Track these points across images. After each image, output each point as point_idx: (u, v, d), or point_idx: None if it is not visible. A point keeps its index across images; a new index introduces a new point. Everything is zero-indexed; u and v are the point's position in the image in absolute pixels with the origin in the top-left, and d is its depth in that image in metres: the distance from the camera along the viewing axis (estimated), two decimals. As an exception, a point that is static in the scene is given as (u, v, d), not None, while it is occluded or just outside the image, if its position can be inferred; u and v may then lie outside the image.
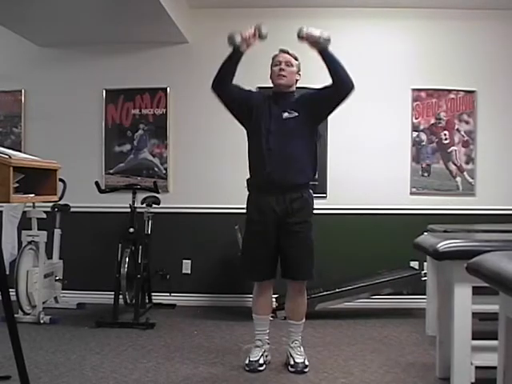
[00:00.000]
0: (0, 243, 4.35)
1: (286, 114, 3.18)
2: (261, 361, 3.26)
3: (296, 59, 3.31)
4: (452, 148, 5.10)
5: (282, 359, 3.38)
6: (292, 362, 3.24)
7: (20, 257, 4.31)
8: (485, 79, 5.06)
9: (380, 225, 4.98)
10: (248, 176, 3.34)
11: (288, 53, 3.30)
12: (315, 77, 5.30)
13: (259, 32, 3.15)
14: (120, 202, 4.74)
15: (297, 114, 3.18)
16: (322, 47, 3.11)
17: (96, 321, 4.23)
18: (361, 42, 5.10)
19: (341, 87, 3.12)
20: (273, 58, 3.33)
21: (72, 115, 5.21)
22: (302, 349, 3.31)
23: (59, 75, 5.24)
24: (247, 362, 3.26)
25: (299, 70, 3.33)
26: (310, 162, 3.24)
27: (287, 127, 3.17)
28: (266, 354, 3.32)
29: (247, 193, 3.33)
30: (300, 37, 3.11)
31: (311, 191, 3.29)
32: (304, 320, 3.34)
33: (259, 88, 4.94)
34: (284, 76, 3.23)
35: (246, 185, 3.34)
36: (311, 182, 3.31)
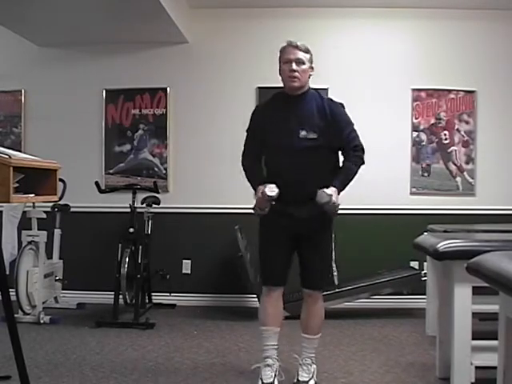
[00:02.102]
0: (0, 243, 4.35)
1: (303, 133, 2.84)
2: (276, 383, 2.89)
3: (307, 51, 2.94)
4: (452, 148, 5.10)
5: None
6: (295, 380, 2.95)
7: (20, 257, 4.31)
8: (485, 79, 5.06)
9: (380, 225, 4.98)
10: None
11: (297, 47, 2.90)
12: (319, 76, 5.29)
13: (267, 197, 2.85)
14: (120, 202, 4.74)
15: (315, 137, 2.85)
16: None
17: (96, 321, 4.23)
18: (361, 42, 5.10)
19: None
20: (280, 51, 2.95)
21: (72, 115, 5.21)
22: (313, 367, 2.98)
23: (59, 75, 5.24)
24: None
25: (312, 63, 2.96)
26: (330, 171, 2.95)
27: (304, 145, 2.85)
28: (278, 373, 2.94)
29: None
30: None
31: None
32: (320, 334, 3.04)
33: (259, 88, 4.96)
34: (296, 78, 2.86)
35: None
36: None
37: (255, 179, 2.96)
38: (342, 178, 2.94)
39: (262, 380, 2.89)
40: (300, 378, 2.96)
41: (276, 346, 2.97)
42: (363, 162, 2.97)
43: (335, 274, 4.55)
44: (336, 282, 4.55)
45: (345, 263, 4.89)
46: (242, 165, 3.04)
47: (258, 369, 2.95)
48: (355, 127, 2.97)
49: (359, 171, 2.98)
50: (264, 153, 3.02)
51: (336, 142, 2.93)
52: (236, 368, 3.31)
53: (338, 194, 2.88)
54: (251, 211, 2.99)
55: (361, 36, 5.11)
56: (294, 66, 2.87)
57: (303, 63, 2.90)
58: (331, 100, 3.04)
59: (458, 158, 5.10)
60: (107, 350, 3.63)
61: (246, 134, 3.07)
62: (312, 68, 2.98)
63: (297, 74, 2.87)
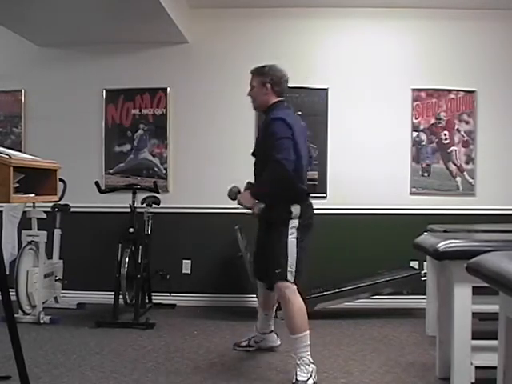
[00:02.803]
0: (0, 243, 4.35)
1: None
2: None
3: (257, 73, 3.30)
4: (452, 148, 5.10)
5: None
6: (294, 381, 3.00)
7: (20, 257, 4.31)
8: (485, 79, 5.06)
9: (380, 225, 4.98)
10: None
11: (251, 72, 3.35)
12: (319, 76, 5.31)
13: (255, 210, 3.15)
14: (120, 202, 4.74)
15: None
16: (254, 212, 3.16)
17: (96, 321, 4.23)
18: (361, 42, 5.10)
19: None
20: None
21: (72, 115, 5.21)
22: (311, 367, 3.02)
23: (59, 75, 5.24)
24: None
25: (265, 83, 3.26)
26: None
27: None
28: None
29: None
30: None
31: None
32: (301, 334, 3.05)
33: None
34: (252, 102, 3.36)
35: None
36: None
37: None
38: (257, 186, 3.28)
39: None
40: (298, 378, 2.98)
41: None
42: (279, 173, 3.04)
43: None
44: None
45: (345, 263, 4.90)
46: (288, 171, 3.03)
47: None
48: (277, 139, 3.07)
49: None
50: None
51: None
52: (236, 368, 3.31)
53: (253, 197, 3.15)
54: (251, 211, 3.08)
55: (361, 36, 5.11)
56: (248, 92, 3.36)
57: (254, 87, 3.32)
58: (271, 119, 3.21)
59: (458, 157, 5.10)
60: (107, 350, 3.63)
61: (286, 139, 3.08)
62: (268, 84, 3.26)
63: (251, 98, 3.36)
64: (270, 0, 4.99)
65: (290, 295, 3.09)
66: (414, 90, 5.08)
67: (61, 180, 3.09)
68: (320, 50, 5.09)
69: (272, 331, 3.71)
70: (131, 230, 4.39)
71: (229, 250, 4.85)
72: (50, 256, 4.76)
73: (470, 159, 5.09)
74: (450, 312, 2.70)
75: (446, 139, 5.10)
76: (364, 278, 4.63)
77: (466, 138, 5.10)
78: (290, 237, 3.12)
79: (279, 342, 3.71)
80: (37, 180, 2.31)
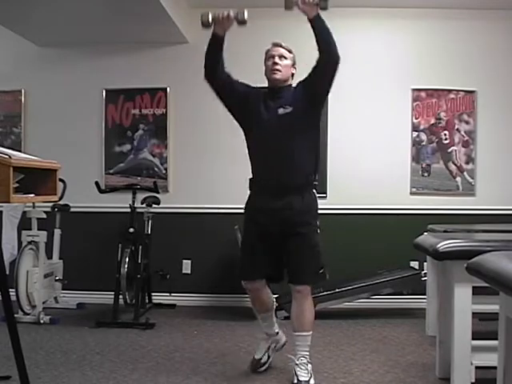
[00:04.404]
0: (0, 243, 4.35)
1: (281, 110, 2.99)
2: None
3: (290, 52, 3.13)
4: (452, 148, 5.10)
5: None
6: (295, 381, 2.95)
7: (20, 257, 4.31)
8: (485, 79, 5.06)
9: (380, 225, 4.98)
10: (250, 176, 3.25)
11: (281, 46, 3.11)
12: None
13: (236, 15, 2.95)
14: (120, 202, 4.74)
15: (291, 109, 2.98)
16: (322, 7, 2.91)
17: (96, 321, 4.23)
18: (361, 42, 5.10)
19: (331, 56, 2.96)
20: (266, 53, 3.13)
21: (72, 115, 5.21)
22: (309, 367, 3.00)
23: (59, 75, 5.24)
24: None
25: (294, 63, 3.13)
26: (310, 159, 3.05)
27: (283, 123, 2.97)
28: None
29: (247, 193, 3.18)
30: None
31: (314, 192, 3.10)
32: (311, 332, 3.06)
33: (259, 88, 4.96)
34: (278, 70, 3.02)
35: (248, 185, 3.18)
36: (314, 182, 3.11)
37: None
38: None
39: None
40: (300, 378, 2.95)
41: None
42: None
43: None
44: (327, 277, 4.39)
45: (345, 263, 4.90)
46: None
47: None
48: None
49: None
50: (245, 138, 3.15)
51: (311, 89, 3.01)
52: (236, 368, 3.31)
53: (319, 22, 3.01)
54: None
55: (361, 36, 5.10)
56: (277, 60, 3.04)
57: (286, 59, 3.07)
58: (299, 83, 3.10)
59: (458, 157, 5.10)
60: (107, 350, 3.63)
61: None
62: (295, 67, 3.13)
63: (279, 66, 3.03)
64: (270, 0, 4.98)
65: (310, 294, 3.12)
66: (414, 89, 5.08)
67: (61, 180, 3.09)
68: (320, 49, 5.09)
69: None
70: (131, 229, 4.39)
71: (229, 250, 4.84)
72: (49, 256, 4.76)
73: (470, 159, 5.09)
74: (450, 312, 2.70)
75: (445, 139, 5.10)
76: (364, 278, 4.63)
77: (466, 137, 5.10)
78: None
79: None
80: (37, 180, 2.30)
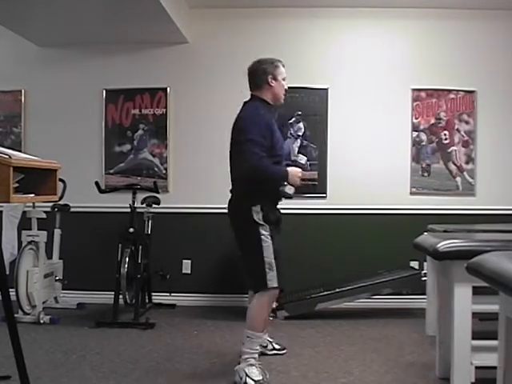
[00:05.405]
0: (0, 243, 4.35)
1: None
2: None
3: None
4: (452, 148, 5.10)
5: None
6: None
7: (20, 257, 4.31)
8: (485, 79, 5.06)
9: (380, 225, 4.98)
10: None
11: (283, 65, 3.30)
12: (319, 76, 5.32)
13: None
14: (120, 202, 4.74)
15: None
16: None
17: (96, 321, 4.23)
18: (361, 42, 5.10)
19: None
20: (278, 66, 3.21)
21: (72, 115, 5.21)
22: (247, 370, 2.97)
23: (59, 75, 5.24)
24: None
25: None
26: None
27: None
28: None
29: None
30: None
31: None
32: (253, 332, 3.03)
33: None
34: (284, 95, 3.30)
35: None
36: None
37: (279, 170, 3.21)
38: None
39: (253, 379, 2.96)
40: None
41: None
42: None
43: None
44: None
45: (345, 263, 4.91)
46: (262, 166, 3.15)
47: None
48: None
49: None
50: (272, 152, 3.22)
51: None
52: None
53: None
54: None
55: (361, 36, 5.11)
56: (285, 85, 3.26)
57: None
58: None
59: (458, 158, 5.10)
60: (107, 350, 3.63)
61: (251, 139, 3.15)
62: None
63: (285, 91, 3.29)
64: (270, 0, 4.99)
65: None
66: (414, 89, 5.08)
67: (61, 180, 3.09)
68: (320, 49, 5.09)
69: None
70: (131, 230, 4.39)
71: (229, 250, 4.84)
72: (49, 256, 4.76)
73: (469, 159, 5.09)
74: (450, 312, 2.70)
75: (445, 139, 5.10)
76: (364, 278, 4.63)
77: (466, 137, 5.10)
78: None
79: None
80: (37, 180, 2.30)
